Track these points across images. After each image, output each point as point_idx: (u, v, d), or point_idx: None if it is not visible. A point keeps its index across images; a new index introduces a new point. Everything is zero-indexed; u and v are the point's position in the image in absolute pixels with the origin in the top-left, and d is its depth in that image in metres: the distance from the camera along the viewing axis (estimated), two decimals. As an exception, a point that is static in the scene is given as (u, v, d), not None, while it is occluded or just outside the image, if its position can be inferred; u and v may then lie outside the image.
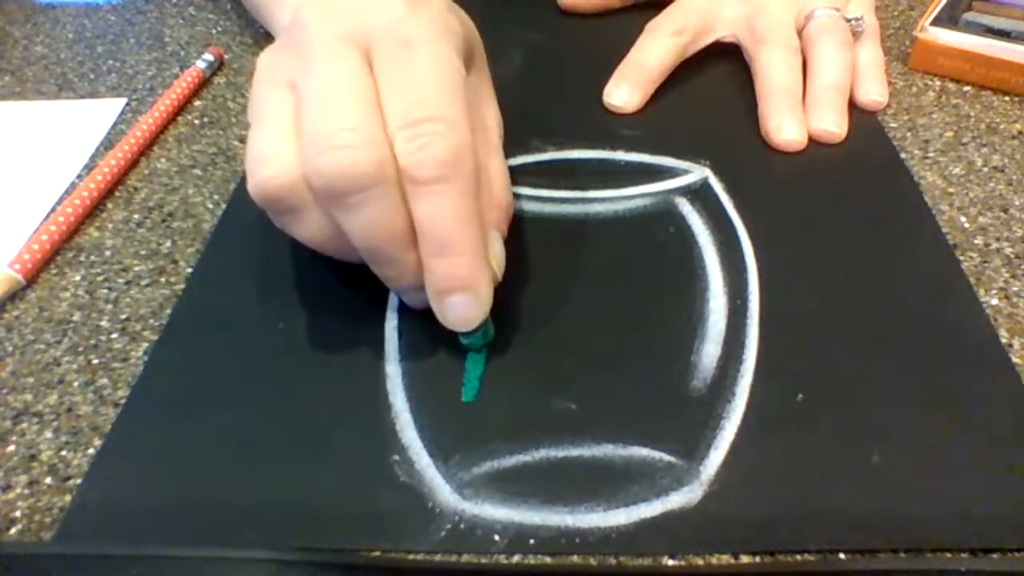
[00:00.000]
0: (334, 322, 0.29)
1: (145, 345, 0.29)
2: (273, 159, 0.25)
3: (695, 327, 0.28)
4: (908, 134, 0.38)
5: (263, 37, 0.47)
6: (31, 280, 0.31)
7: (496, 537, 0.23)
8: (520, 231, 0.32)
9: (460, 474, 0.24)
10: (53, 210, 0.34)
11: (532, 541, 0.23)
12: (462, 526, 0.23)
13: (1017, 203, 0.34)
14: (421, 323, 0.29)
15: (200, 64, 0.43)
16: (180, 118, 0.41)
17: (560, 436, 0.25)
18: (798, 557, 0.22)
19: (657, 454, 0.25)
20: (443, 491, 0.24)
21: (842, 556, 0.22)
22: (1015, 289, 0.30)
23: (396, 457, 0.25)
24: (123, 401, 0.27)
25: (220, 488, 0.24)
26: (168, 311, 0.30)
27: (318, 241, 0.27)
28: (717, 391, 0.26)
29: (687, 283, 0.30)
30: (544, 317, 0.29)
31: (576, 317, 0.29)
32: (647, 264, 0.31)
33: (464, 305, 0.26)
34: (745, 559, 0.22)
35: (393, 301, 0.30)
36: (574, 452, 0.25)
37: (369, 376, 0.27)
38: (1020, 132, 0.38)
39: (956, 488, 0.23)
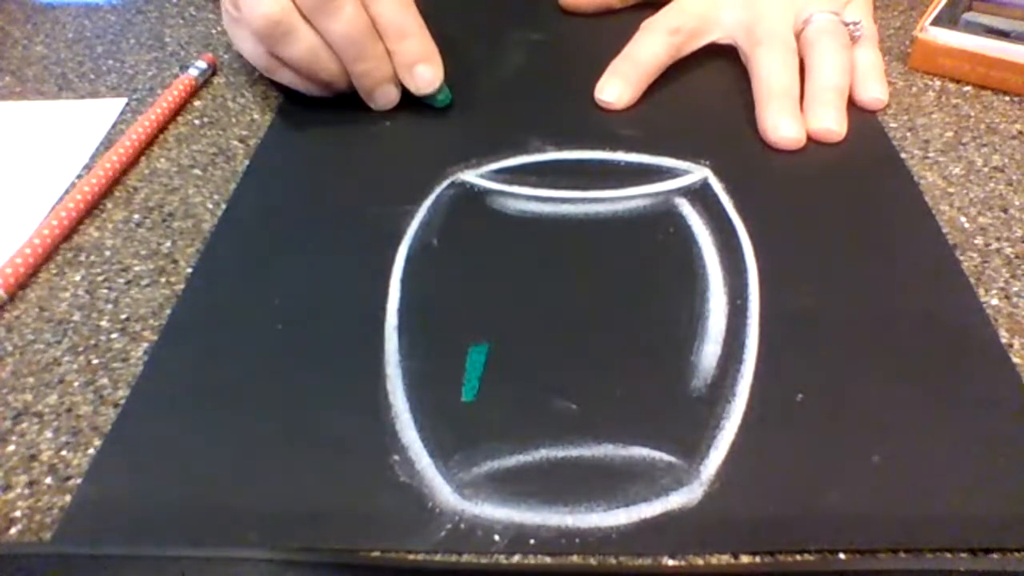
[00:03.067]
0: (334, 322, 0.29)
1: (145, 345, 0.29)
2: None
3: (695, 327, 0.28)
4: (908, 134, 0.38)
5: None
6: (12, 295, 0.31)
7: (496, 537, 0.23)
8: (520, 231, 0.33)
9: (460, 474, 0.24)
10: (51, 212, 0.34)
11: (532, 541, 0.23)
12: (462, 526, 0.23)
13: (1017, 203, 0.34)
14: (421, 323, 0.29)
15: (193, 72, 0.42)
16: (180, 118, 0.41)
17: (560, 436, 0.25)
18: (798, 557, 0.22)
19: (657, 454, 0.25)
20: (443, 491, 0.24)
21: (842, 556, 0.22)
22: (1015, 289, 0.30)
23: (396, 457, 0.25)
24: (123, 401, 0.27)
25: (220, 488, 0.24)
26: (168, 311, 0.30)
27: (308, 58, 0.36)
28: (717, 391, 0.26)
29: (687, 283, 0.30)
30: (544, 317, 0.29)
31: (576, 317, 0.29)
32: (647, 264, 0.31)
33: (425, 71, 0.38)
34: (745, 559, 0.22)
35: (393, 301, 0.30)
36: (574, 452, 0.25)
37: (369, 376, 0.27)
38: (1020, 132, 0.38)
39: (956, 488, 0.23)
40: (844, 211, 0.33)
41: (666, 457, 0.24)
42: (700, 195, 0.34)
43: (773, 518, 0.23)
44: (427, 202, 0.34)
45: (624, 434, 0.25)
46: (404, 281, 0.31)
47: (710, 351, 0.28)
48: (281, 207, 0.35)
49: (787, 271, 0.30)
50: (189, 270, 0.32)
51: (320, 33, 0.36)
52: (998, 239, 0.32)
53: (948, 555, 0.22)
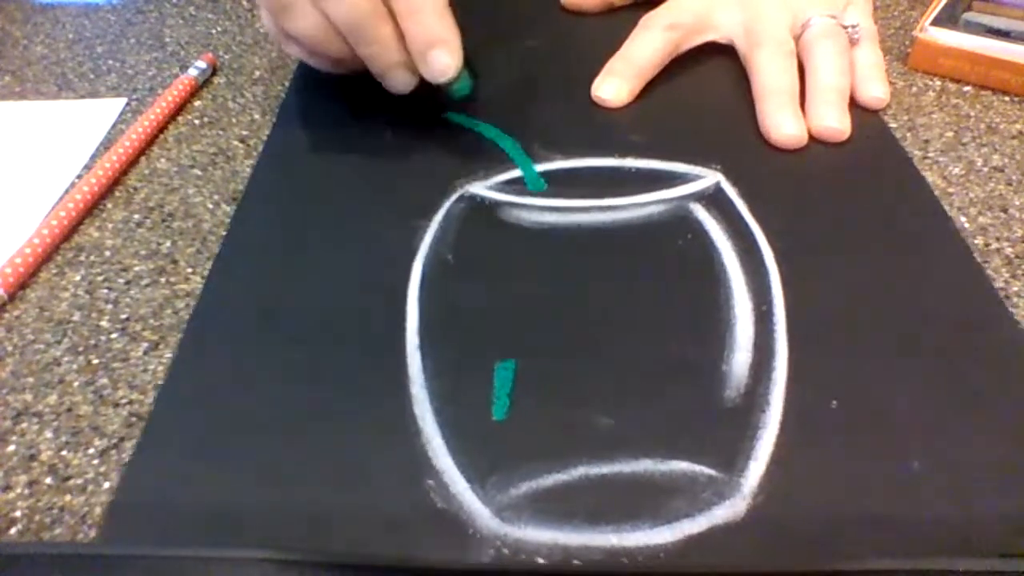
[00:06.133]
0: (353, 346, 0.28)
1: (145, 345, 0.29)
2: None
3: (723, 335, 0.28)
4: (908, 134, 0.38)
5: (262, 38, 0.47)
6: (12, 295, 0.31)
7: (540, 560, 0.22)
8: (536, 243, 0.32)
9: (499, 496, 0.23)
10: (51, 212, 0.34)
11: (577, 563, 0.22)
12: (505, 551, 0.22)
13: (1017, 203, 0.34)
14: (443, 342, 0.28)
15: (193, 72, 0.42)
16: (180, 118, 0.41)
17: (597, 452, 0.24)
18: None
19: (697, 468, 0.24)
20: (482, 515, 0.23)
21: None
22: (1015, 289, 0.30)
23: (431, 482, 0.24)
24: (123, 401, 0.27)
25: (246, 529, 0.23)
26: (168, 311, 0.30)
27: (312, 35, 0.34)
28: (751, 400, 0.26)
29: (711, 290, 0.29)
30: (568, 330, 0.28)
31: (601, 328, 0.28)
32: (669, 272, 0.30)
33: (441, 56, 0.33)
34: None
35: (412, 320, 0.29)
36: (613, 469, 0.24)
37: (395, 399, 0.26)
38: (1020, 132, 0.38)
39: (999, 491, 0.23)
40: (858, 212, 0.33)
41: (706, 470, 0.24)
42: (714, 200, 0.33)
43: (821, 528, 0.22)
44: (437, 217, 0.33)
45: (662, 448, 0.24)
46: (422, 299, 0.29)
47: (741, 359, 0.27)
48: (287, 229, 0.33)
49: (809, 274, 0.30)
50: (189, 270, 0.32)
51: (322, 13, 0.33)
52: (998, 239, 0.32)
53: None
